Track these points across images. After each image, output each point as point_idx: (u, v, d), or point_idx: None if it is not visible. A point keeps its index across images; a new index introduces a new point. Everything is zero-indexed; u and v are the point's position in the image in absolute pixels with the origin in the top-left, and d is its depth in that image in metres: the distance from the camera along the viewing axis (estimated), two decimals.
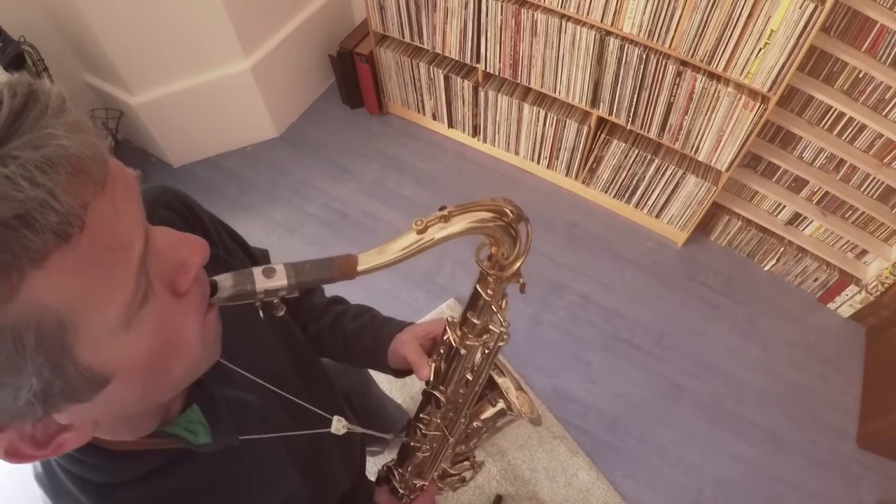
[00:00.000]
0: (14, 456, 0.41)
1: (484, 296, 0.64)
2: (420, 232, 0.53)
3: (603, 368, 2.20)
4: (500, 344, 0.68)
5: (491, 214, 0.55)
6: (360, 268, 0.53)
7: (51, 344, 0.36)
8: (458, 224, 0.53)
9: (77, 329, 0.37)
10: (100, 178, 0.37)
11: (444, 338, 0.73)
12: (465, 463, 0.97)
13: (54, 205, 0.33)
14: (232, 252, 0.78)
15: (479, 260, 0.63)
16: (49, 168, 0.34)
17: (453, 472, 0.97)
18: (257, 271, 0.51)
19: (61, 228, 0.34)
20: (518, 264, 0.60)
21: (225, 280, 0.51)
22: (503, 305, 0.66)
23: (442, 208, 0.53)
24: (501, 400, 0.86)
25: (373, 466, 1.14)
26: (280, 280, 0.51)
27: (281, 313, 0.54)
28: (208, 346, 0.51)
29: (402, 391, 2.07)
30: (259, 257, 0.86)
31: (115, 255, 0.38)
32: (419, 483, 0.93)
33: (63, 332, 0.36)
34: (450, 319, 0.73)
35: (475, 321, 0.68)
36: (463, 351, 0.71)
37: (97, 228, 0.37)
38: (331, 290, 1.01)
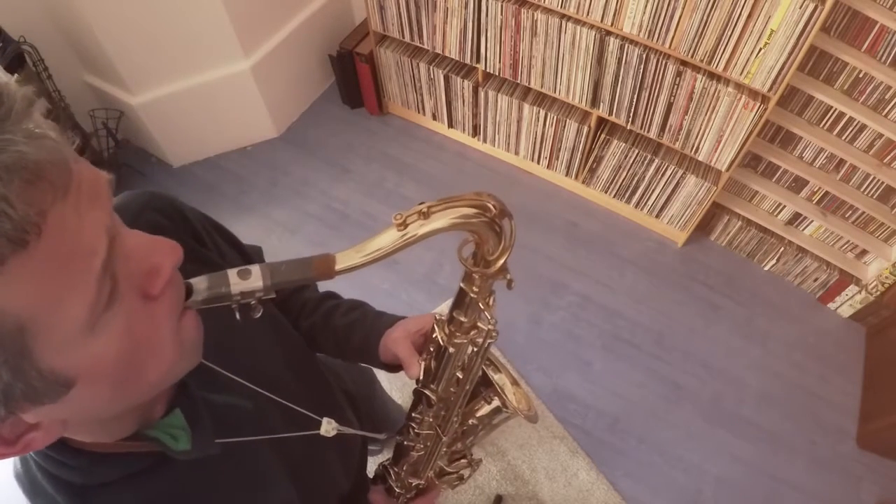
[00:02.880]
0: None
1: (470, 293, 0.64)
2: (400, 227, 0.52)
3: (603, 368, 2.20)
4: (490, 342, 0.67)
5: (473, 210, 0.54)
6: (338, 267, 0.52)
7: (10, 348, 0.36)
8: (439, 220, 0.52)
9: (37, 333, 0.37)
10: (61, 185, 0.37)
11: (434, 336, 0.73)
12: (463, 461, 0.97)
13: (9, 212, 0.33)
14: (225, 254, 0.77)
15: (463, 258, 0.62)
16: (4, 174, 0.34)
17: (451, 470, 0.96)
18: (232, 273, 0.50)
19: (16, 235, 0.34)
20: (502, 261, 0.59)
21: (200, 283, 0.50)
22: (490, 303, 0.65)
23: (421, 203, 0.52)
24: (497, 397, 0.86)
25: (371, 465, 1.14)
26: (255, 282, 0.50)
27: (258, 315, 0.53)
28: (186, 349, 0.51)
29: (402, 391, 2.07)
30: (253, 256, 0.85)
31: (76, 261, 0.38)
32: (415, 482, 0.93)
33: (22, 336, 0.36)
34: (438, 317, 0.72)
35: (462, 319, 0.67)
36: (451, 349, 0.70)
37: (56, 235, 0.36)
38: (331, 288, 1.01)
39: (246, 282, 0.50)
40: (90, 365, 0.42)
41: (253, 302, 0.52)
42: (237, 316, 0.53)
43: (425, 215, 0.52)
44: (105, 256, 0.40)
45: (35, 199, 0.35)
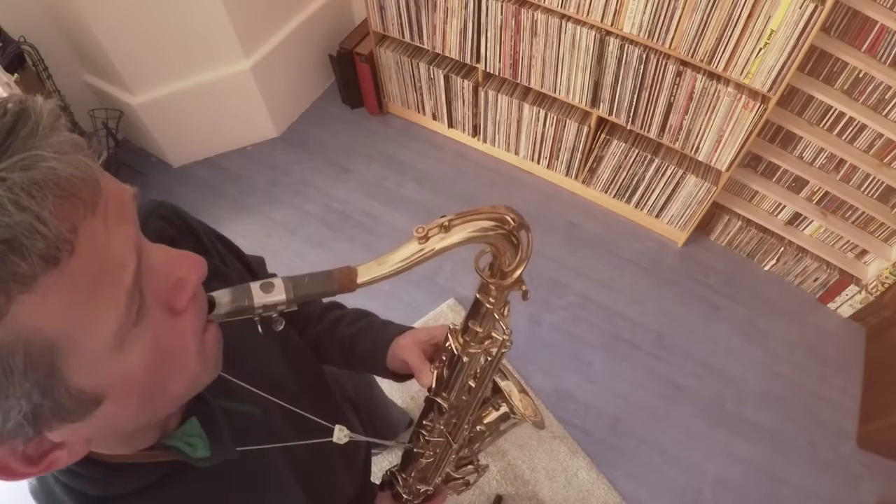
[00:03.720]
0: (5, 473, 0.41)
1: (486, 304, 0.64)
2: (421, 241, 0.52)
3: (603, 368, 2.20)
4: (503, 351, 0.67)
5: (492, 223, 0.54)
6: (359, 280, 0.52)
7: (40, 367, 0.36)
8: (459, 234, 0.53)
9: (67, 351, 0.37)
10: (91, 200, 0.37)
11: (447, 345, 0.73)
12: (469, 467, 0.97)
13: (41, 229, 0.33)
14: (228, 263, 0.77)
15: (480, 269, 0.62)
16: (36, 191, 0.33)
17: (457, 476, 0.97)
18: (255, 286, 0.50)
19: (49, 253, 0.34)
20: (519, 272, 0.60)
21: (223, 296, 0.50)
22: (505, 313, 0.66)
23: (442, 217, 0.53)
24: (504, 404, 0.86)
25: (374, 468, 1.15)
26: (278, 295, 0.50)
27: (280, 328, 0.54)
28: (208, 362, 0.51)
29: (402, 391, 2.07)
30: (255, 266, 0.85)
31: (107, 277, 0.38)
32: (423, 488, 0.93)
33: (52, 354, 0.36)
34: (452, 327, 0.72)
35: (477, 329, 0.68)
36: (465, 359, 0.70)
37: (87, 251, 0.36)
38: None
39: (269, 295, 0.50)
40: (119, 381, 0.41)
41: (275, 315, 0.52)
42: (259, 329, 0.53)
43: (446, 228, 0.52)
44: (134, 271, 0.40)
45: (67, 215, 0.35)
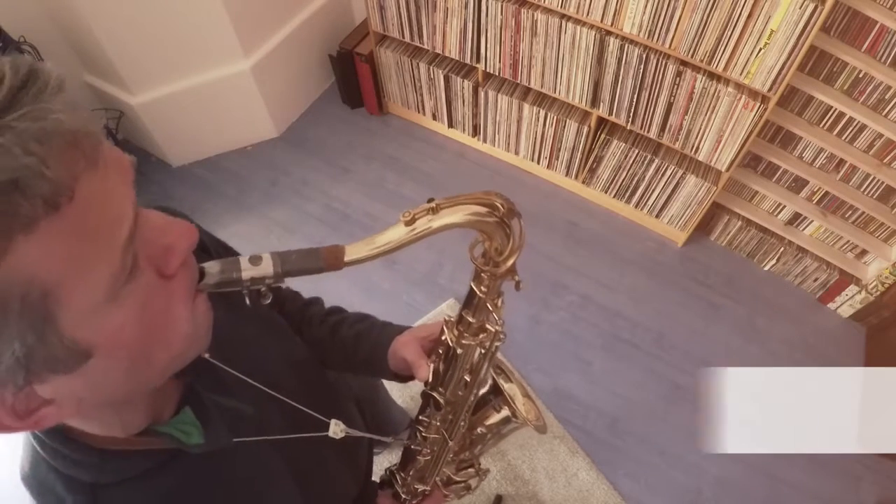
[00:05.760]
0: None
1: (479, 293, 0.64)
2: (408, 224, 0.53)
3: (603, 368, 2.20)
4: (497, 343, 0.68)
5: (482, 208, 0.55)
6: (346, 258, 0.53)
7: (35, 311, 0.37)
8: (447, 217, 0.53)
9: (61, 298, 0.38)
10: (92, 155, 0.39)
11: (442, 338, 0.73)
12: (470, 470, 0.97)
13: (46, 173, 0.35)
14: None
15: (473, 257, 0.63)
16: (44, 138, 0.35)
17: (458, 479, 0.96)
18: (244, 259, 0.52)
19: (51, 197, 0.35)
20: (511, 261, 0.60)
21: (212, 266, 0.51)
22: (498, 304, 0.66)
23: (430, 200, 0.53)
24: (506, 406, 0.85)
25: (375, 468, 1.14)
26: (266, 268, 0.51)
27: (267, 301, 0.54)
28: (197, 332, 0.51)
29: (402, 391, 2.07)
30: None
31: (103, 229, 0.39)
32: (421, 488, 0.93)
33: (47, 300, 0.37)
34: (447, 319, 0.73)
35: (471, 320, 0.68)
36: (459, 351, 0.70)
37: (87, 201, 0.38)
38: (332, 289, 1.00)
39: (256, 268, 0.51)
40: (109, 336, 0.42)
41: (263, 289, 0.53)
42: (247, 301, 0.54)
43: (434, 212, 0.53)
44: (131, 227, 0.42)
45: (69, 164, 0.37)
